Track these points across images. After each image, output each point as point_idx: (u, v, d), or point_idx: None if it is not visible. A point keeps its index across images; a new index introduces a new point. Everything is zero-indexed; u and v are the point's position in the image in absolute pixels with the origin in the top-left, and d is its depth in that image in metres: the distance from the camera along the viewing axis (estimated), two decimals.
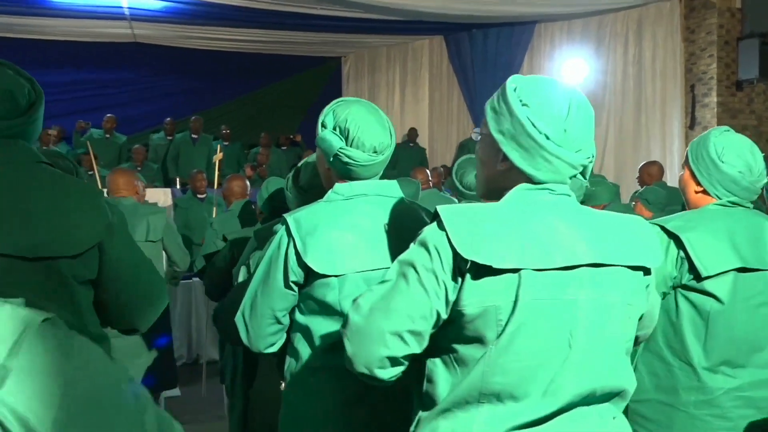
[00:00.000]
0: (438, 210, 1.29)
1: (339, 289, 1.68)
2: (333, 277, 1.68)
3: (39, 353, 0.80)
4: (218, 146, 7.72)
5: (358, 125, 1.73)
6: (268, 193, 3.10)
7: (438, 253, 1.27)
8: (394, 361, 1.31)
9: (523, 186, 1.34)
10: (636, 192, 5.17)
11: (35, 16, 9.37)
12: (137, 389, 0.90)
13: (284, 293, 1.72)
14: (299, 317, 1.77)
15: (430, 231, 1.30)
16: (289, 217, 1.73)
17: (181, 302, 6.02)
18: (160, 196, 7.67)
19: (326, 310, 1.71)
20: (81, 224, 1.54)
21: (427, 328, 1.29)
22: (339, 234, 1.69)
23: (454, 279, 1.27)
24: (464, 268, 1.25)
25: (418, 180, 4.27)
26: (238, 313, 1.78)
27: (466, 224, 1.26)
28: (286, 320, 1.77)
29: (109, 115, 9.69)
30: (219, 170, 6.53)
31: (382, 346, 1.29)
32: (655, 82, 8.64)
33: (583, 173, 1.38)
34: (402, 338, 1.29)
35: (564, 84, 1.36)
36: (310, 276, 1.71)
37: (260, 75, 11.88)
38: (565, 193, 1.36)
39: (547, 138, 1.29)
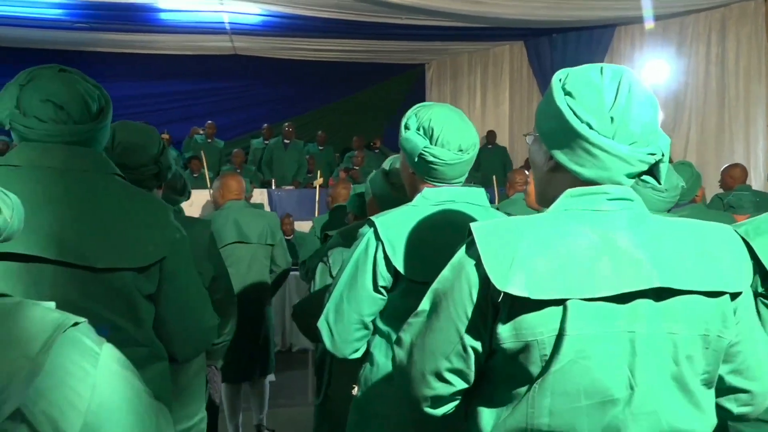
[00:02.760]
0: (471, 228, 1.11)
1: None
2: (421, 284, 1.52)
3: (68, 356, 0.80)
4: (318, 171, 7.87)
5: (442, 124, 1.66)
6: (354, 196, 3.28)
7: (469, 282, 1.10)
8: (442, 399, 1.18)
9: (571, 192, 1.12)
10: (716, 195, 5.00)
11: (145, 33, 9.93)
12: (155, 402, 0.91)
13: (373, 297, 1.64)
14: (380, 323, 1.69)
15: (461, 255, 1.13)
16: (377, 220, 1.64)
17: (275, 294, 6.28)
18: (258, 197, 8.01)
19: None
20: (149, 238, 1.49)
21: (467, 365, 1.13)
22: (425, 241, 1.61)
23: (489, 312, 1.09)
24: (499, 299, 1.07)
25: (516, 181, 4.17)
26: (322, 319, 1.68)
27: (500, 246, 1.07)
28: (371, 325, 1.69)
29: (209, 122, 10.18)
30: (319, 194, 6.64)
31: (424, 386, 1.16)
32: (738, 82, 8.34)
33: (652, 173, 1.14)
34: (443, 378, 1.14)
35: (618, 68, 1.14)
36: (399, 281, 1.63)
37: (348, 83, 12.16)
38: (624, 197, 1.11)
39: (590, 127, 1.09)
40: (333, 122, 12.04)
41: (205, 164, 7.15)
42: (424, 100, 10.98)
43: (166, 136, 9.58)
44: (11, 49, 10.55)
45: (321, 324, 1.68)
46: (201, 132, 10.04)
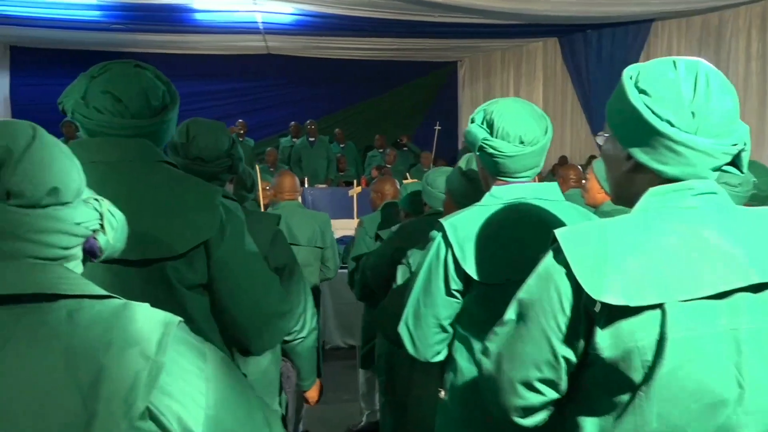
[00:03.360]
0: (557, 235, 1.08)
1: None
2: (495, 286, 1.54)
3: (182, 353, 0.81)
4: (354, 182, 7.89)
5: (502, 116, 1.61)
6: (408, 194, 3.27)
7: (559, 291, 1.06)
8: (532, 409, 1.15)
9: (654, 191, 1.09)
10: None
11: (180, 33, 10.01)
12: (258, 396, 0.90)
13: (447, 301, 1.61)
14: (459, 328, 1.65)
15: (548, 263, 1.09)
16: (446, 222, 1.60)
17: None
18: None
19: (489, 321, 1.58)
20: (190, 223, 1.44)
21: (559, 375, 1.10)
22: (496, 241, 1.56)
23: (582, 320, 1.06)
24: (593, 308, 1.03)
25: (570, 177, 4.06)
26: (402, 324, 1.67)
27: (591, 254, 1.04)
28: (450, 328, 1.66)
29: (240, 120, 10.21)
30: (357, 201, 6.59)
31: (514, 396, 1.13)
32: None
33: (735, 163, 1.10)
34: (533, 387, 1.12)
35: (691, 61, 1.10)
36: (471, 284, 1.58)
37: (380, 81, 12.13)
38: (710, 191, 1.08)
39: (671, 125, 1.05)
40: (366, 120, 12.02)
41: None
42: (456, 99, 10.90)
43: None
44: (51, 51, 10.73)
45: (401, 329, 1.68)
46: (237, 131, 10.07)
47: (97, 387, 0.73)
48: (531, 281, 1.12)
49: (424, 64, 12.17)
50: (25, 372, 0.73)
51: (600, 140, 1.20)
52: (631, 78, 1.11)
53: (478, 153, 1.65)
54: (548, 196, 1.66)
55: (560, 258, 1.06)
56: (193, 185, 1.51)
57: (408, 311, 1.66)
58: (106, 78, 1.46)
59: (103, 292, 0.83)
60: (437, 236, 1.62)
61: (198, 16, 8.95)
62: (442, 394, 1.71)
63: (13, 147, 0.78)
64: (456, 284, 1.59)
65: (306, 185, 8.87)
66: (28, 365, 0.73)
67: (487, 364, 1.17)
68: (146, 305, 0.83)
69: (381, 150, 10.16)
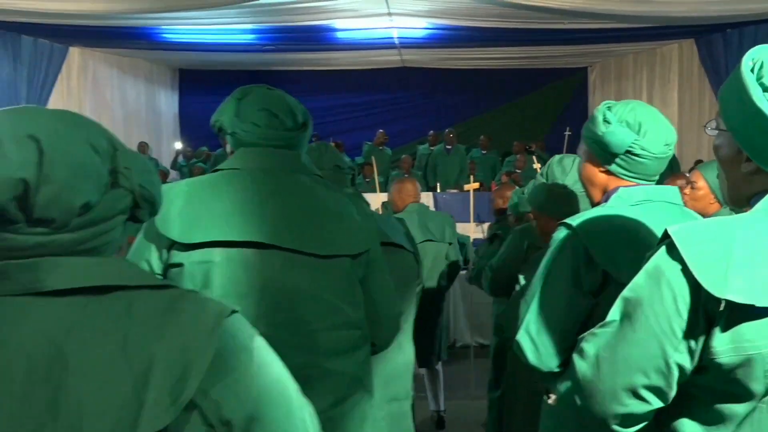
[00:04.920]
0: (669, 232, 0.98)
1: None
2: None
3: (230, 344, 0.80)
4: (471, 176, 7.92)
5: (649, 118, 1.54)
6: (517, 200, 3.38)
7: (673, 290, 0.96)
8: (633, 417, 1.03)
9: None
10: None
11: (323, 51, 10.52)
12: (299, 391, 0.88)
13: (576, 304, 1.50)
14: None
15: (660, 259, 0.99)
16: (575, 222, 1.50)
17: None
18: (424, 199, 8.13)
19: None
20: (358, 228, 1.58)
21: (669, 383, 0.99)
22: (632, 241, 1.46)
23: (699, 322, 0.95)
24: (713, 309, 0.93)
25: (677, 186, 3.95)
26: (521, 332, 1.53)
27: (709, 251, 0.94)
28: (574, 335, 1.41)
29: (380, 130, 10.53)
30: (473, 196, 6.59)
31: (614, 403, 1.01)
32: None
33: None
34: (638, 395, 1.00)
35: None
36: (607, 284, 1.48)
37: (510, 89, 12.08)
38: None
39: None
40: (495, 128, 11.94)
41: (375, 170, 7.49)
42: (586, 104, 10.49)
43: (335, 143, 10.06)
44: (213, 72, 11.62)
45: (521, 338, 1.52)
46: (384, 139, 10.40)
47: (147, 376, 0.73)
48: (639, 279, 1.01)
49: (554, 70, 11.94)
50: (87, 358, 0.74)
51: (710, 131, 1.09)
52: (752, 71, 0.97)
53: (621, 154, 1.54)
54: (672, 200, 1.59)
55: (675, 254, 0.96)
56: (348, 196, 1.65)
57: (530, 318, 1.51)
58: (256, 98, 1.60)
59: (161, 282, 0.83)
60: (564, 236, 1.53)
61: (339, 35, 9.42)
62: (552, 399, 1.61)
63: (27, 176, 0.74)
64: (588, 285, 1.48)
65: (438, 190, 8.98)
66: (89, 352, 0.74)
67: (583, 366, 1.05)
68: (201, 295, 0.83)
69: (519, 155, 10.08)
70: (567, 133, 9.99)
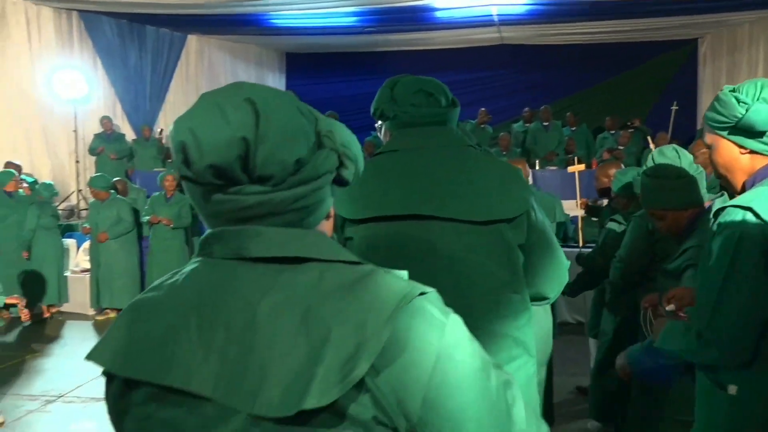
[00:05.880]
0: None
1: None
2: None
3: (412, 326, 0.75)
4: (576, 158, 7.49)
5: None
6: (625, 180, 3.25)
7: None
8: None
9: None
10: None
11: (423, 31, 10.46)
12: (503, 374, 0.81)
13: (764, 287, 1.43)
14: None
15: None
16: (752, 202, 1.45)
17: None
18: None
19: None
20: (512, 194, 1.61)
21: None
22: None
23: None
24: None
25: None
26: (706, 327, 1.47)
27: None
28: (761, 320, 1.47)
29: (482, 109, 10.39)
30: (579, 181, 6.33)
31: None
32: None
33: None
34: None
35: None
36: None
37: (615, 63, 11.59)
38: None
39: None
40: (598, 103, 11.49)
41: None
42: (695, 78, 9.88)
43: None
44: (318, 54, 11.88)
45: (709, 332, 1.46)
46: (486, 118, 10.28)
47: (321, 350, 0.72)
48: None
49: (661, 43, 11.31)
50: (273, 324, 0.75)
51: None
52: None
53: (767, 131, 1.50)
54: None
55: None
56: (503, 165, 1.72)
57: (706, 309, 1.45)
58: (409, 82, 1.70)
59: (355, 258, 0.82)
60: (741, 218, 1.46)
61: (438, 14, 9.37)
62: (733, 390, 1.52)
63: (247, 135, 0.77)
64: None
65: (537, 167, 8.78)
66: (276, 318, 0.76)
67: None
68: (398, 274, 0.81)
69: (612, 132, 9.65)
70: (674, 107, 9.47)
